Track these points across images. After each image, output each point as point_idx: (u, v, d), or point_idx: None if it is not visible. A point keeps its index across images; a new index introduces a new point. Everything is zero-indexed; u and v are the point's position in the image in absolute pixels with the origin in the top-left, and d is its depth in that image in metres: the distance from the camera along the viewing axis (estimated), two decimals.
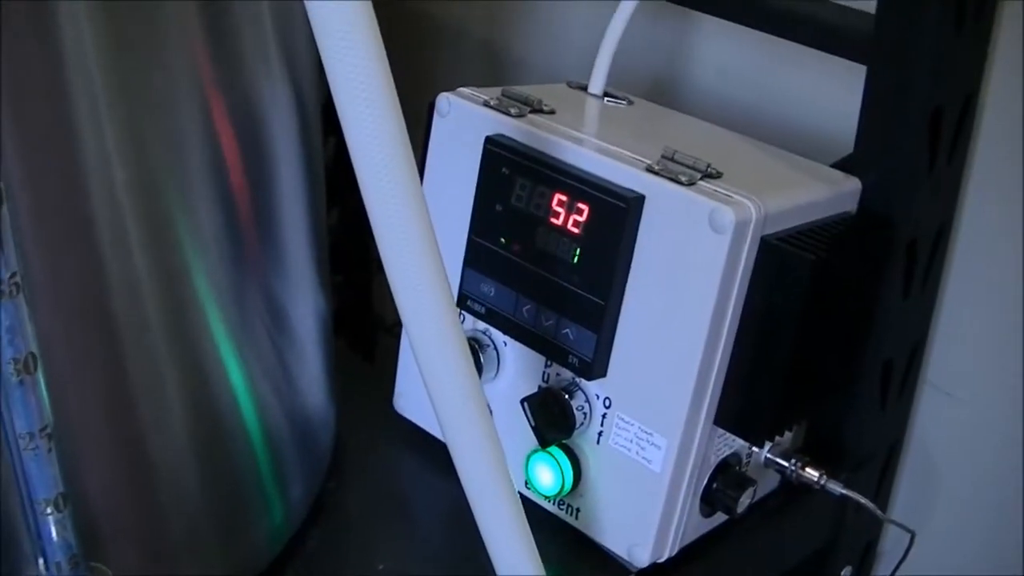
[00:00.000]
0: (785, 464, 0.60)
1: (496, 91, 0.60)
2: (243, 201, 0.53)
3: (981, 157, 0.62)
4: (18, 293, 0.38)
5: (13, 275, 0.38)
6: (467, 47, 0.88)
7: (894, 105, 0.56)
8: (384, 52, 0.38)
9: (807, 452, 0.61)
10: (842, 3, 0.62)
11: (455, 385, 0.42)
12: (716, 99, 0.72)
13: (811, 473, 0.59)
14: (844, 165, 0.59)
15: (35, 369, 0.40)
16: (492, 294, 0.58)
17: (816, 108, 0.67)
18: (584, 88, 0.64)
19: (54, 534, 0.44)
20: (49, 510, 0.43)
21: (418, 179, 0.40)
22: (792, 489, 0.62)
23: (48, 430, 0.41)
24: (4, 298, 0.38)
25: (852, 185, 0.57)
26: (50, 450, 0.42)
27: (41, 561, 0.44)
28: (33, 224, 0.41)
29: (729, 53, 0.67)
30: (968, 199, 0.63)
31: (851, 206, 0.58)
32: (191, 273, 0.50)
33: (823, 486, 0.59)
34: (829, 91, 0.65)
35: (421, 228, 0.40)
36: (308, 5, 0.36)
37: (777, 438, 0.59)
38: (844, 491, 0.59)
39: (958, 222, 0.64)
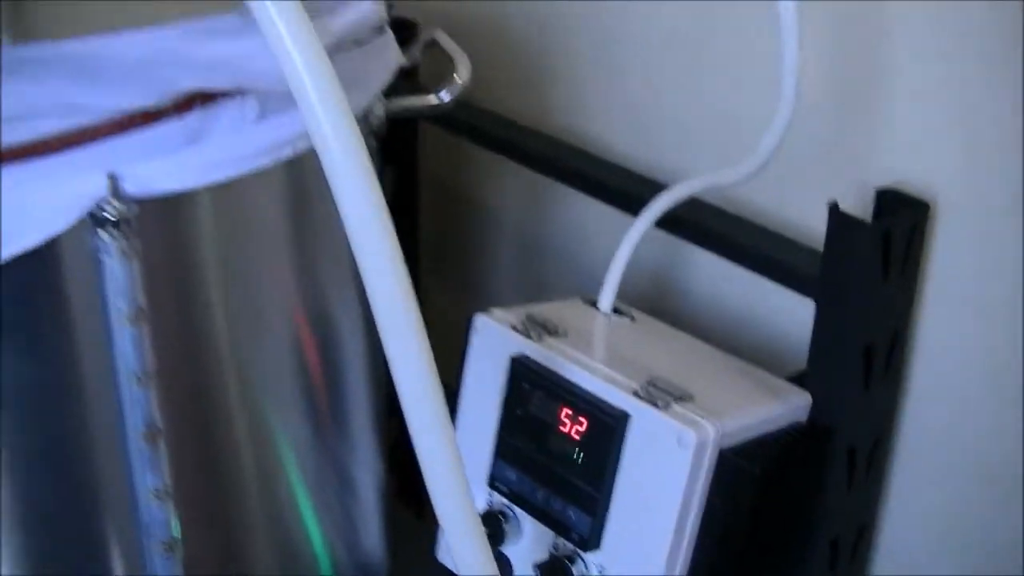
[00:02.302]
0: None
1: (522, 313, 0.75)
2: (320, 391, 0.69)
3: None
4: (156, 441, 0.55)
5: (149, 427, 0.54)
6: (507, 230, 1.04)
7: (834, 337, 0.70)
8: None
9: None
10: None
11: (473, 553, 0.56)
12: (707, 304, 0.86)
13: None
14: (799, 379, 0.73)
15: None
16: (514, 479, 0.73)
17: (788, 321, 0.81)
18: (595, 303, 0.79)
19: None
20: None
21: (441, 392, 0.50)
22: None
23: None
24: (142, 440, 0.54)
25: (804, 399, 0.71)
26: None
27: None
28: (166, 407, 0.56)
29: (720, 270, 0.82)
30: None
31: (803, 416, 0.72)
32: (279, 445, 0.66)
33: None
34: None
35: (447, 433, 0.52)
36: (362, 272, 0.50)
37: None
38: None
39: (899, 421, 0.78)
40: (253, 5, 0.42)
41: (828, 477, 0.73)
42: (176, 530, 0.58)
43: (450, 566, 0.80)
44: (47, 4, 0.61)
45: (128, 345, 0.53)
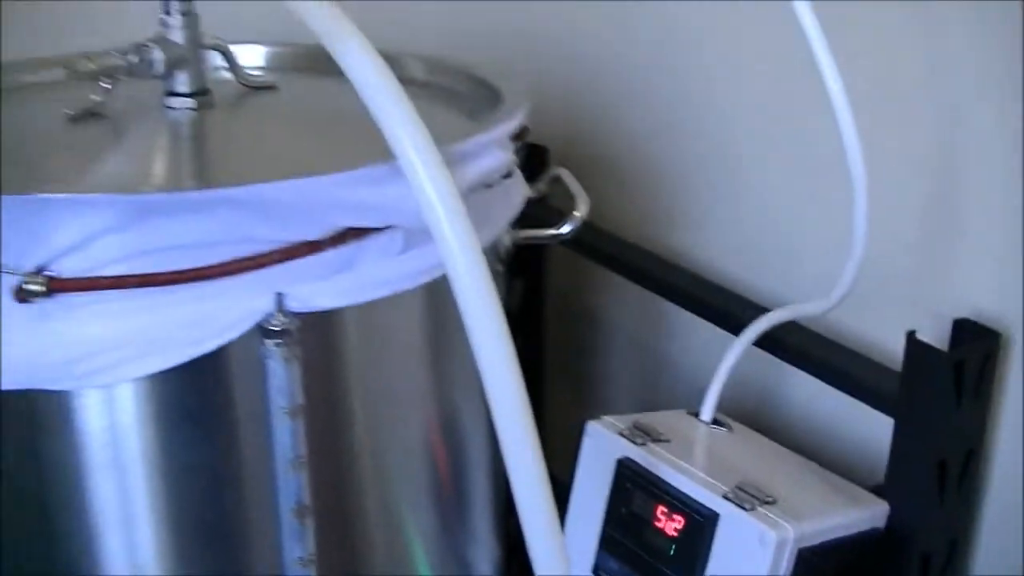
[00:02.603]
0: None
1: (630, 420, 0.84)
2: (446, 484, 0.78)
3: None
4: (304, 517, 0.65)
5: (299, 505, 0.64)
6: (622, 341, 1.13)
7: (910, 453, 0.77)
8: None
9: None
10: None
11: None
12: (800, 417, 0.94)
13: None
14: (880, 489, 0.80)
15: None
16: (616, 569, 0.81)
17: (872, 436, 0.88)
18: (697, 415, 0.87)
19: None
20: None
21: (549, 487, 0.57)
22: None
23: None
24: (292, 516, 0.64)
25: (882, 508, 0.79)
26: None
27: None
28: (313, 488, 0.66)
29: (812, 387, 0.89)
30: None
31: (881, 523, 0.79)
32: (407, 529, 0.75)
33: None
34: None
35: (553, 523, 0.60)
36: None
37: None
38: None
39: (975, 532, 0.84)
40: (401, 158, 0.52)
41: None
42: None
43: None
44: (226, 152, 0.73)
45: (286, 435, 0.63)
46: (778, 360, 0.87)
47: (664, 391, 1.07)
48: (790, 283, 0.94)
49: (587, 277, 1.13)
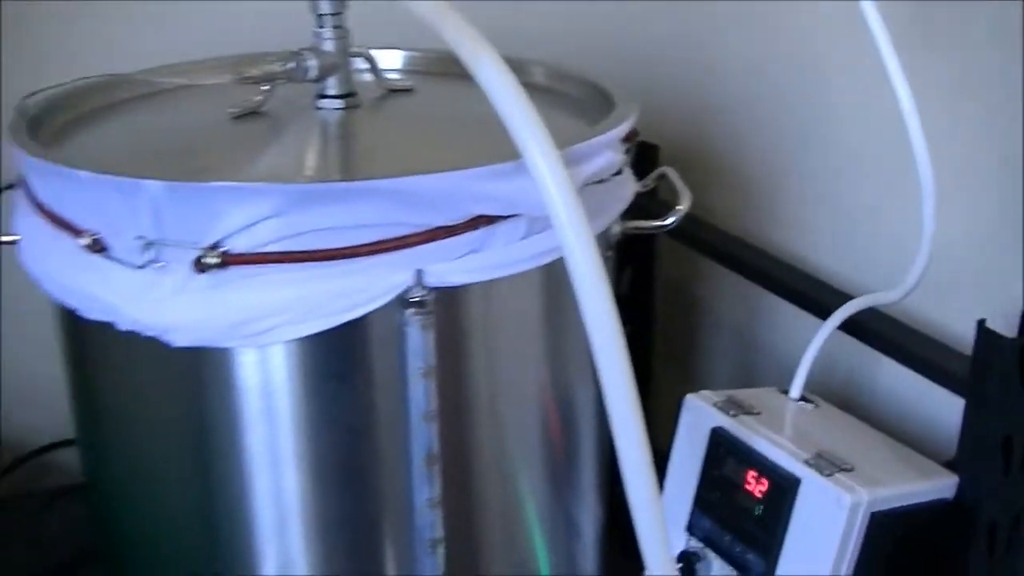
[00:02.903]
0: None
1: (724, 395, 0.93)
2: (558, 446, 0.87)
3: None
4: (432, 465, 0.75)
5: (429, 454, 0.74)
6: (725, 327, 1.21)
7: (977, 431, 0.85)
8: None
9: None
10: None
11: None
12: (883, 397, 1.02)
13: None
14: (950, 464, 0.88)
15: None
16: (707, 527, 0.90)
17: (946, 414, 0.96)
18: (787, 392, 0.96)
19: None
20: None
21: (649, 454, 0.64)
22: None
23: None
24: (423, 464, 0.74)
25: (951, 480, 0.86)
26: None
27: None
28: (442, 439, 0.76)
29: (891, 369, 0.97)
30: None
31: (950, 494, 0.86)
32: (521, 483, 0.84)
33: None
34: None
35: (653, 487, 0.69)
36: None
37: None
38: None
39: None
40: (526, 157, 0.62)
41: (970, 548, 0.87)
42: (439, 533, 0.77)
43: None
44: (371, 148, 0.83)
45: (420, 393, 0.73)
46: (861, 344, 0.96)
47: (759, 372, 1.15)
48: (875, 273, 1.02)
49: (692, 267, 1.22)
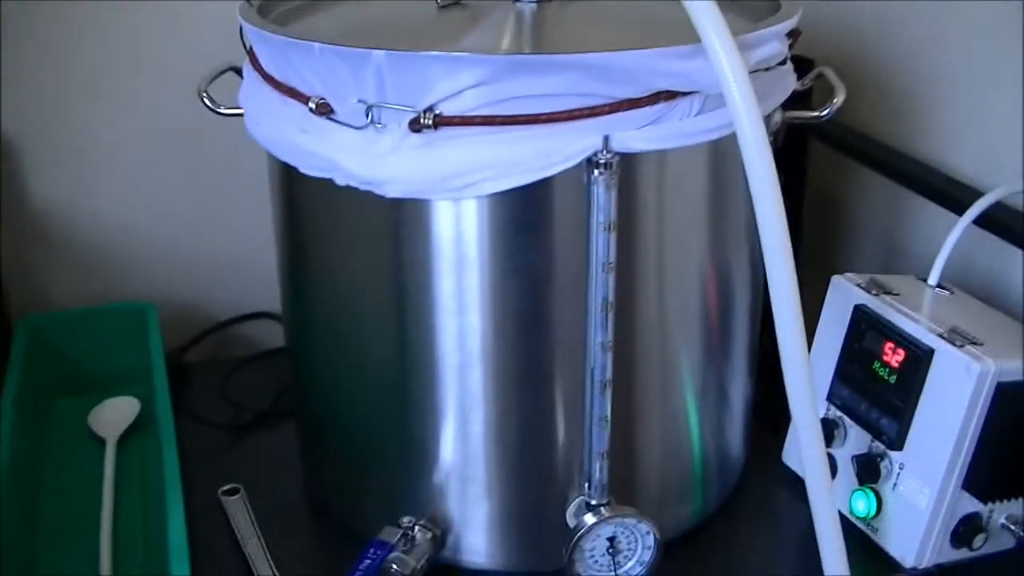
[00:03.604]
0: (1013, 528, 0.97)
1: (867, 277, 1.01)
2: (714, 322, 0.96)
3: None
4: (607, 311, 0.85)
5: (605, 301, 0.85)
6: (868, 233, 1.29)
7: None
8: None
9: None
10: None
11: (813, 448, 0.80)
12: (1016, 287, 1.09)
13: None
14: None
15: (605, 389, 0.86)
16: (847, 395, 0.99)
17: None
18: (925, 280, 1.04)
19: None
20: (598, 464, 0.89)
21: (802, 329, 0.76)
22: None
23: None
24: (599, 309, 0.84)
25: None
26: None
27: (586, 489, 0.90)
28: (617, 288, 0.85)
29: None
30: None
31: None
32: (678, 346, 0.94)
33: None
34: None
35: (802, 351, 0.79)
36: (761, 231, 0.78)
37: (1013, 510, 0.96)
38: None
39: None
40: (704, 41, 0.71)
41: None
42: (609, 375, 0.87)
43: (794, 467, 1.08)
44: (564, 34, 0.92)
45: (602, 245, 0.83)
46: (998, 241, 1.03)
47: (899, 268, 1.23)
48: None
49: (842, 172, 1.31)
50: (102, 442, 1.15)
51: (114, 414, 1.20)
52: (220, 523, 1.03)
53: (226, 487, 1.07)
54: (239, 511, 1.04)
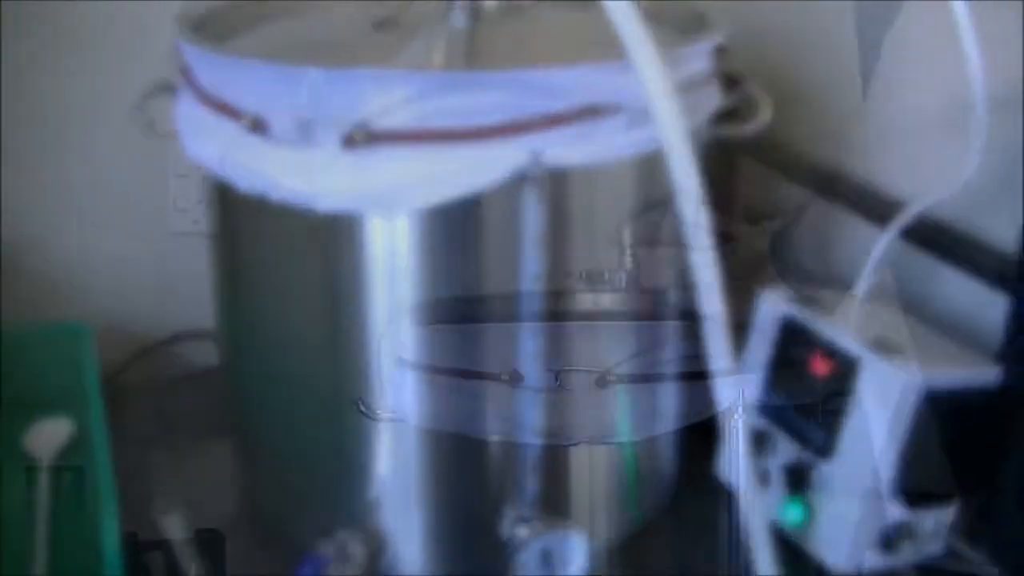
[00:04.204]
0: (941, 534, 0.98)
1: (796, 290, 1.03)
2: (644, 335, 0.98)
3: None
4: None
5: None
6: (798, 247, 1.32)
7: (1019, 325, 0.95)
8: None
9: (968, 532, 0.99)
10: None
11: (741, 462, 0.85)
12: (940, 301, 1.10)
13: (961, 546, 0.98)
14: (998, 356, 0.98)
15: None
16: (777, 406, 1.01)
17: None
18: (853, 292, 1.06)
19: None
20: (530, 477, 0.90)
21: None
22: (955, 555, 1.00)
23: None
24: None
25: (996, 370, 0.95)
26: None
27: None
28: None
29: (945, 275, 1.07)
30: None
31: (994, 382, 0.96)
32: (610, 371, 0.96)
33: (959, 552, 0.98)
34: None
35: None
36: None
37: (940, 517, 0.98)
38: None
39: None
40: (633, 59, 0.73)
41: (1013, 428, 0.97)
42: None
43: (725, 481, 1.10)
44: (494, 53, 0.94)
45: (534, 255, 0.85)
46: (920, 253, 1.06)
47: (829, 282, 1.25)
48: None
49: (769, 188, 1.33)
50: (37, 463, 1.15)
51: (49, 435, 1.19)
52: (157, 542, 1.03)
53: (162, 505, 1.07)
54: (175, 530, 1.04)
